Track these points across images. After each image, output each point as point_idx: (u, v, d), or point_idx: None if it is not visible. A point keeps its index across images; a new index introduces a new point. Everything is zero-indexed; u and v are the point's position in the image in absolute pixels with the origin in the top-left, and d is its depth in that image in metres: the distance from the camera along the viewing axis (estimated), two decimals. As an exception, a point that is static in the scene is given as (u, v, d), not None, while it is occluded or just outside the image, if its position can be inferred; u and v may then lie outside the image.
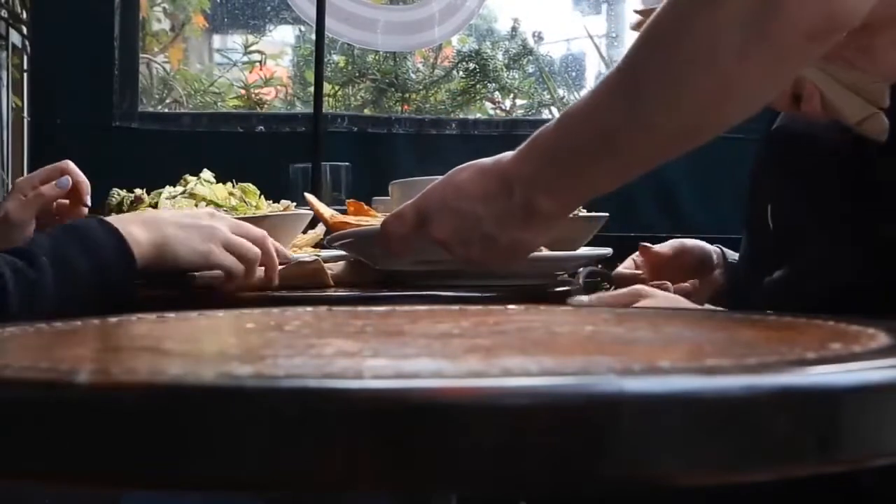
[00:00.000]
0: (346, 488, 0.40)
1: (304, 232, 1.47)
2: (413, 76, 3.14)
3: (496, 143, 2.21)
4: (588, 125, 0.88)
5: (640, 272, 1.40)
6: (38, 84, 2.59)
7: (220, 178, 1.46)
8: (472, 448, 0.40)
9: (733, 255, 1.45)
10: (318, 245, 1.47)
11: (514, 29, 3.23)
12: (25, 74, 3.25)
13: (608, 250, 1.38)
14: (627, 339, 0.65)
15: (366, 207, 1.38)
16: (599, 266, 1.39)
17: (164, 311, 0.79)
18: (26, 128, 3.18)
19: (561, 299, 1.22)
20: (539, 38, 3.24)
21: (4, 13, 3.24)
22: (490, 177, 0.95)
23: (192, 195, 1.40)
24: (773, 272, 1.25)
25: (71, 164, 1.36)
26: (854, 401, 0.45)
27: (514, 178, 0.93)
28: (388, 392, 0.41)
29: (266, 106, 3.15)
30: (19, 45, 3.29)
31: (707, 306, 1.20)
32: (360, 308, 0.81)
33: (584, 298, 1.22)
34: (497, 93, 3.17)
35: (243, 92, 3.17)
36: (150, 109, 2.96)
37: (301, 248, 1.45)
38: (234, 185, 1.45)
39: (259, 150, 2.40)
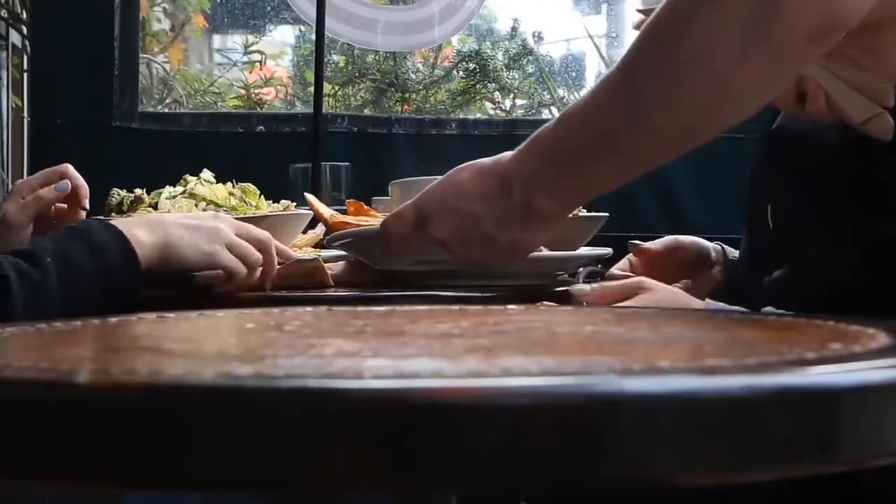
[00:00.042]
0: (346, 488, 0.40)
1: (304, 232, 1.47)
2: (413, 76, 3.14)
3: (496, 143, 2.21)
4: (587, 125, 0.88)
5: (631, 276, 1.39)
6: (38, 84, 2.59)
7: (220, 178, 1.46)
8: (472, 448, 0.40)
9: (733, 253, 1.45)
10: (318, 245, 1.47)
11: (514, 29, 3.23)
12: (25, 74, 3.25)
13: (608, 250, 1.38)
14: (627, 339, 0.65)
15: (366, 207, 1.38)
16: (599, 266, 1.39)
17: (164, 311, 0.79)
18: (26, 128, 3.18)
19: (560, 300, 1.22)
20: (539, 38, 3.24)
21: (4, 13, 3.24)
22: (490, 177, 0.95)
23: (192, 195, 1.40)
24: (773, 272, 1.25)
25: (70, 168, 1.36)
26: (854, 401, 0.45)
27: (514, 178, 0.93)
28: (388, 392, 0.41)
29: (266, 106, 3.15)
30: (19, 45, 3.29)
31: (708, 301, 1.19)
32: (360, 308, 0.81)
33: (587, 287, 1.22)
34: (497, 93, 3.17)
35: (243, 92, 3.17)
36: (150, 109, 2.96)
37: (301, 248, 1.45)
38: (234, 185, 1.45)
39: (259, 150, 2.39)
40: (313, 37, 2.52)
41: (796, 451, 0.44)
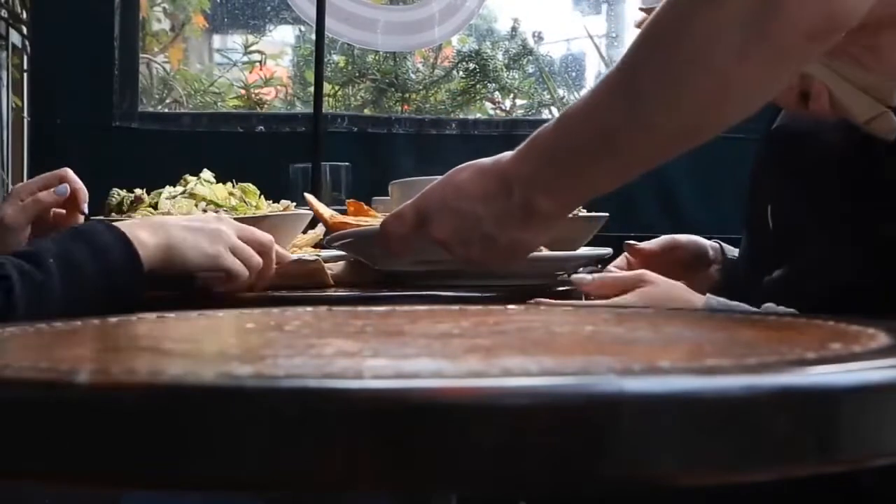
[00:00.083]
0: (346, 488, 0.40)
1: (304, 232, 1.47)
2: (413, 76, 3.14)
3: (496, 143, 2.21)
4: (587, 125, 0.88)
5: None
6: (38, 84, 2.59)
7: (220, 178, 1.46)
8: (472, 448, 0.40)
9: (733, 251, 1.44)
10: (318, 245, 1.47)
11: (514, 29, 3.23)
12: (25, 74, 3.25)
13: (608, 250, 1.38)
14: (627, 339, 0.65)
15: (366, 207, 1.38)
16: (599, 266, 1.39)
17: (164, 311, 0.79)
18: (26, 128, 3.17)
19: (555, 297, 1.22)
20: (539, 38, 3.24)
21: (4, 13, 3.24)
22: (489, 177, 0.95)
23: (192, 195, 1.40)
24: (773, 272, 1.25)
25: (70, 172, 1.36)
26: (854, 401, 0.45)
27: (514, 178, 0.93)
28: (388, 392, 0.41)
29: (266, 106, 3.15)
30: (19, 45, 3.29)
31: (709, 295, 1.19)
32: (360, 308, 0.81)
33: (587, 277, 1.22)
34: (497, 93, 3.17)
35: (243, 92, 3.17)
36: (150, 109, 2.96)
37: (301, 248, 1.45)
38: (234, 185, 1.45)
39: (259, 150, 2.39)
40: (313, 37, 2.52)
41: (796, 451, 0.44)
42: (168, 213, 1.34)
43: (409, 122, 2.58)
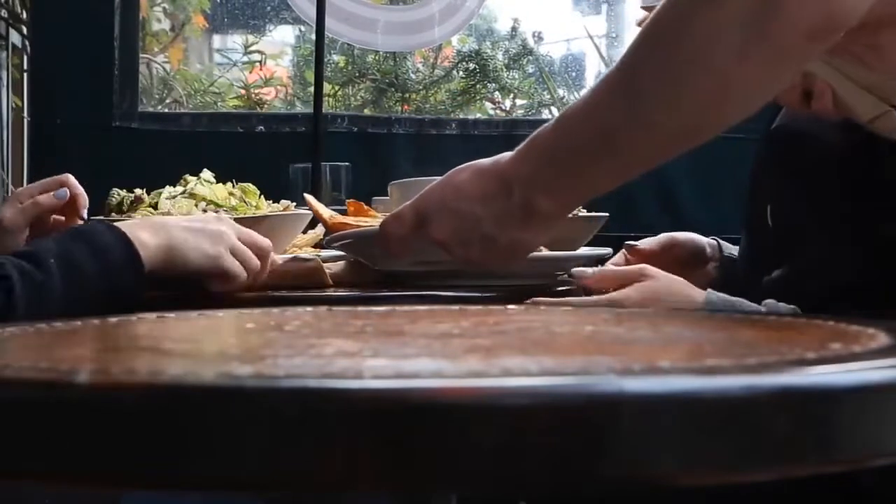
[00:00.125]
0: (346, 488, 0.40)
1: (305, 232, 1.47)
2: (413, 76, 3.13)
3: (496, 143, 2.21)
4: (587, 125, 0.88)
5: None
6: (38, 84, 2.59)
7: (220, 178, 1.46)
8: (472, 448, 0.40)
9: (730, 249, 1.45)
10: (318, 245, 1.47)
11: (514, 29, 3.23)
12: (25, 74, 3.25)
13: (608, 250, 1.38)
14: (627, 339, 0.65)
15: (366, 208, 1.38)
16: (599, 266, 1.39)
17: (164, 311, 0.79)
18: (26, 128, 3.17)
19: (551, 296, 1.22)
20: (539, 38, 3.24)
21: (4, 13, 3.24)
22: (489, 177, 0.95)
23: (192, 195, 1.40)
24: (773, 272, 1.25)
25: (71, 178, 1.36)
26: (854, 401, 0.45)
27: (513, 178, 0.93)
28: (388, 392, 0.41)
29: (266, 106, 3.15)
30: (19, 45, 3.29)
31: (709, 290, 1.19)
32: (360, 308, 0.81)
33: (588, 270, 1.22)
34: (497, 93, 3.17)
35: (243, 92, 3.17)
36: (150, 109, 2.95)
37: (301, 248, 1.45)
38: (234, 185, 1.45)
39: (259, 150, 2.39)
40: (313, 37, 2.52)
41: (796, 451, 0.44)
42: (168, 213, 1.34)
43: (409, 122, 2.58)
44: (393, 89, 3.08)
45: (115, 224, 1.14)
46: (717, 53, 0.79)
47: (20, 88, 3.36)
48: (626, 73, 0.86)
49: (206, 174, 1.45)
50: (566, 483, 0.42)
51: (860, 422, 0.45)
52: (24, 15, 3.12)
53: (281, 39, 3.68)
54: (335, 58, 3.19)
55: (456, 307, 0.81)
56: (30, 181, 2.70)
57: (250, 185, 1.47)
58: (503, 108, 3.20)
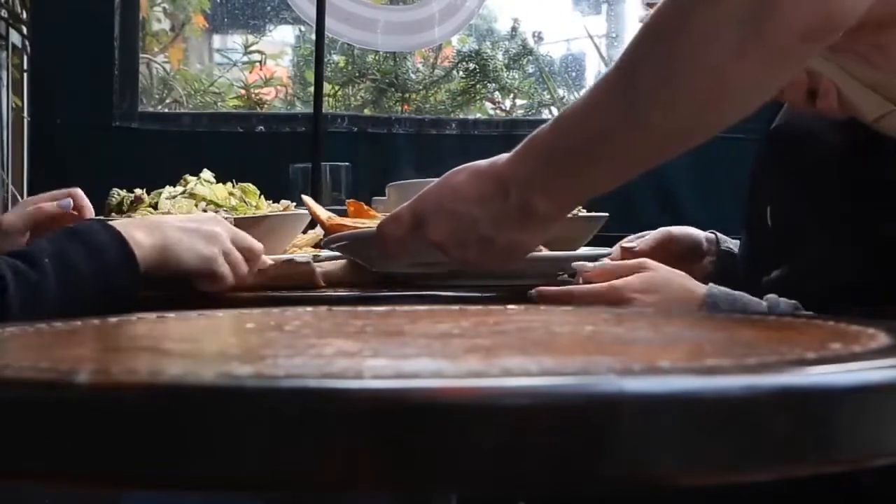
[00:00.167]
0: (346, 488, 0.40)
1: (304, 232, 1.47)
2: (413, 76, 3.13)
3: (496, 143, 2.21)
4: (585, 125, 0.88)
5: None
6: (38, 84, 2.59)
7: (220, 178, 1.46)
8: (472, 448, 0.40)
9: (728, 242, 1.44)
10: (318, 245, 1.47)
11: (514, 29, 3.23)
12: (25, 74, 3.25)
13: (608, 250, 1.38)
14: (627, 339, 0.65)
15: (366, 208, 1.38)
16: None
17: (163, 311, 0.79)
18: (26, 128, 3.17)
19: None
20: (539, 38, 3.24)
21: (4, 13, 3.24)
22: (486, 178, 0.95)
23: (192, 195, 1.40)
24: (773, 272, 1.25)
25: (79, 192, 1.36)
26: (854, 401, 0.45)
27: (511, 179, 0.93)
28: (388, 392, 0.41)
29: (266, 106, 3.15)
30: (19, 45, 3.29)
31: (711, 285, 1.19)
32: (360, 308, 0.81)
33: (589, 264, 1.22)
34: (497, 93, 3.17)
35: (243, 92, 3.17)
36: (150, 109, 2.95)
37: (301, 249, 1.45)
38: (234, 185, 1.45)
39: (259, 150, 2.39)
40: (313, 37, 2.52)
41: (796, 451, 0.44)
42: (168, 213, 1.34)
43: (409, 122, 2.58)
44: (393, 89, 3.08)
45: (111, 223, 1.13)
46: (714, 51, 0.79)
47: (20, 88, 3.35)
48: (624, 72, 0.86)
49: (206, 174, 1.45)
50: (566, 483, 0.42)
51: (860, 422, 0.45)
52: (24, 15, 3.12)
53: (281, 39, 3.68)
54: (335, 58, 3.19)
55: (456, 307, 0.81)
56: (30, 181, 2.71)
57: (250, 185, 1.47)
58: (503, 108, 3.20)
